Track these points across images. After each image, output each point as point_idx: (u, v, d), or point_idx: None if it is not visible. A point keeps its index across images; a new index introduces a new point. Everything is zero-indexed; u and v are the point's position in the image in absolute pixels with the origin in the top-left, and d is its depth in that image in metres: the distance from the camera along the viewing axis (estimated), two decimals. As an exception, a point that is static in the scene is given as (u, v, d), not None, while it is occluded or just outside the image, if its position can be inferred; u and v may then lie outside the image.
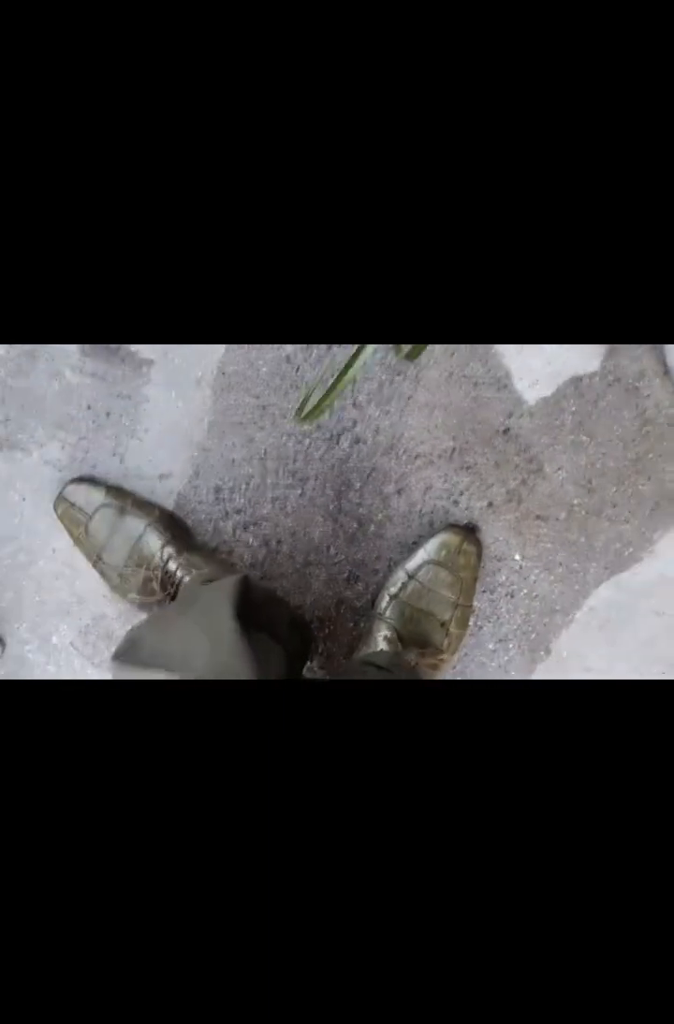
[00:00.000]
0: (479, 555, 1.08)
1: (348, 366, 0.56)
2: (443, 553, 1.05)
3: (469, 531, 1.07)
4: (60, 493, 1.06)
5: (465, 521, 1.10)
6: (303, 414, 0.75)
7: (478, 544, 1.07)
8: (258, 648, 0.78)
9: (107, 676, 1.16)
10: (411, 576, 1.05)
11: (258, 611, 0.85)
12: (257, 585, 0.93)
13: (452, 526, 1.07)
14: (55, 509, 1.06)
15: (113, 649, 1.11)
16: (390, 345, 0.89)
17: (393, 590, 1.06)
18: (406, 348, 0.95)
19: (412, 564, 1.06)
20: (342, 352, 1.02)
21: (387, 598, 1.06)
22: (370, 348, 0.56)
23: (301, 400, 1.02)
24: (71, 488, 1.06)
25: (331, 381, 0.67)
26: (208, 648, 0.77)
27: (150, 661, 0.75)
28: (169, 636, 0.81)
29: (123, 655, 0.79)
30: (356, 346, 0.61)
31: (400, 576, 1.06)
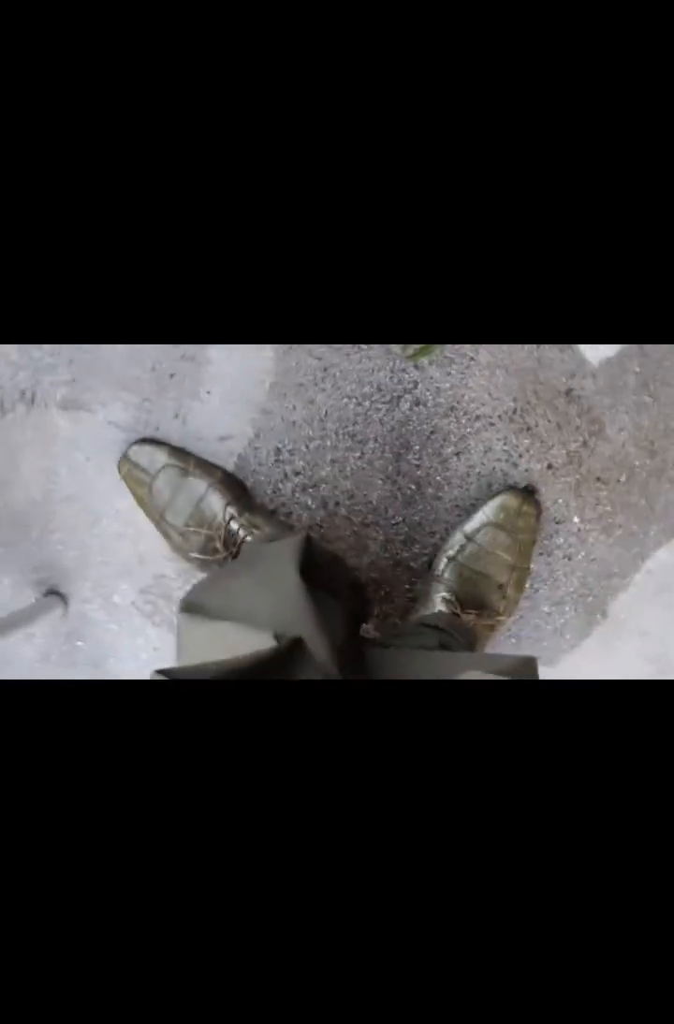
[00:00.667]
0: (538, 517, 1.07)
1: None
2: (502, 515, 1.05)
3: (528, 493, 1.07)
4: (124, 454, 1.07)
5: (524, 483, 1.09)
6: (410, 352, 0.74)
7: (537, 506, 1.07)
8: (320, 606, 0.79)
9: (172, 632, 1.18)
10: (469, 538, 1.06)
11: (320, 571, 0.86)
12: (319, 545, 0.94)
13: (512, 488, 1.07)
14: (119, 469, 1.08)
15: (175, 607, 1.14)
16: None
17: (451, 552, 1.06)
18: (412, 349, 0.95)
19: (470, 526, 1.06)
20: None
21: (445, 560, 1.06)
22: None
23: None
24: (135, 449, 1.07)
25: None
26: (273, 603, 0.78)
27: (217, 614, 0.76)
28: (234, 592, 0.82)
29: (190, 608, 0.80)
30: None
31: (458, 538, 1.06)
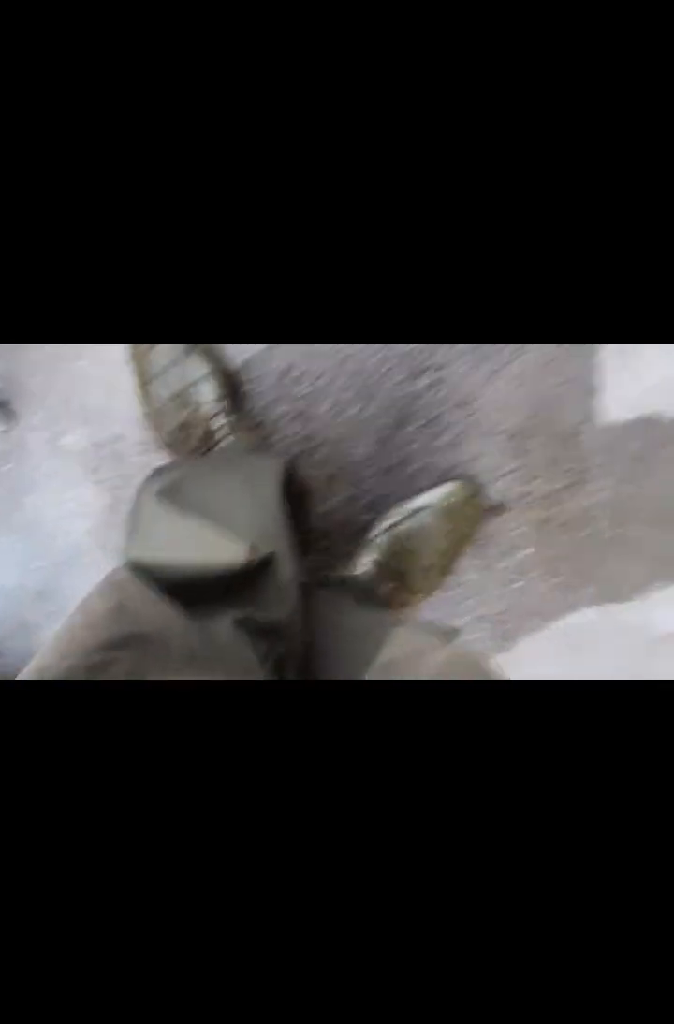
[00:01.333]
0: (481, 514, 1.10)
1: None
2: (448, 502, 1.07)
3: (477, 490, 1.09)
4: None
5: (497, 500, 1.12)
6: None
7: (484, 503, 1.10)
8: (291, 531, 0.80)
9: (109, 494, 1.12)
10: (410, 514, 1.07)
11: (294, 500, 0.86)
12: (298, 475, 0.93)
13: (464, 478, 1.09)
14: None
15: (122, 472, 1.08)
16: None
17: (389, 522, 1.08)
18: None
19: (415, 504, 1.07)
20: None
21: (382, 528, 1.08)
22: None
23: None
24: None
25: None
26: (251, 513, 0.78)
27: (192, 509, 0.75)
28: (215, 489, 0.81)
29: (167, 493, 0.78)
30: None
31: (400, 511, 1.08)
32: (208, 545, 0.72)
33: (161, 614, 0.64)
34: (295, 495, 0.88)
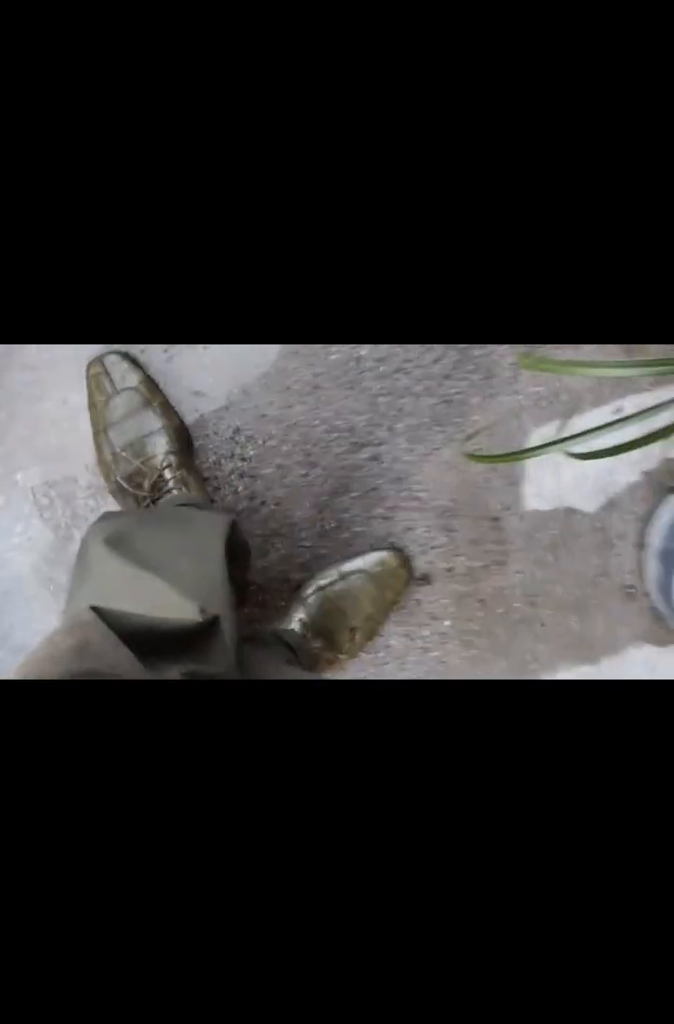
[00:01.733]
0: (407, 583, 1.18)
1: (540, 447, 0.65)
2: (378, 569, 1.15)
3: (406, 559, 1.17)
4: (100, 357, 1.07)
5: (423, 572, 1.20)
6: (471, 452, 0.80)
7: (409, 573, 1.17)
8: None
9: (55, 533, 1.17)
10: (342, 576, 1.15)
11: (234, 557, 0.90)
12: (240, 533, 0.98)
13: (395, 548, 1.17)
14: (88, 367, 1.07)
15: (71, 514, 1.13)
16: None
17: (322, 582, 1.14)
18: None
19: (347, 567, 1.15)
20: (493, 399, 1.11)
21: (315, 587, 1.14)
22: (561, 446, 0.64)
23: (468, 434, 1.09)
24: (113, 358, 1.07)
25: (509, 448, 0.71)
26: (198, 574, 0.81)
27: (142, 562, 0.77)
28: (161, 546, 0.83)
29: (114, 544, 0.80)
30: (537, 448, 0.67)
31: (333, 573, 1.15)
32: (160, 601, 0.74)
33: (123, 658, 0.67)
34: (236, 551, 0.93)
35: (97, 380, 1.07)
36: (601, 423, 0.67)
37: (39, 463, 1.14)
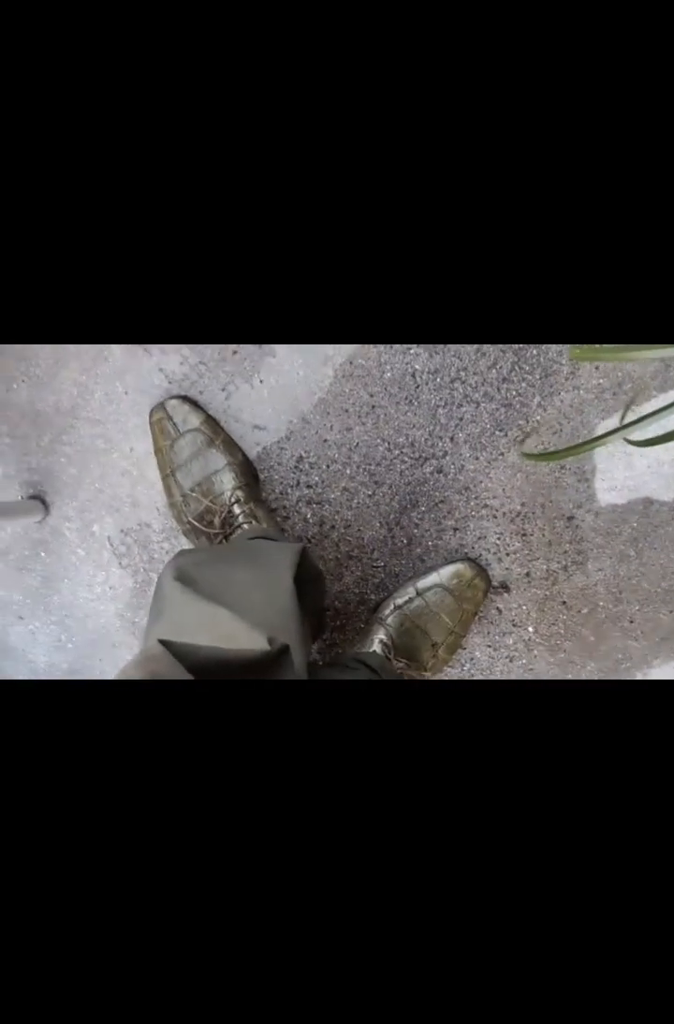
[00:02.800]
0: (485, 593, 1.16)
1: (599, 439, 0.63)
2: (455, 581, 1.13)
3: (481, 569, 1.15)
4: (162, 402, 1.10)
5: (500, 579, 1.18)
6: (529, 452, 0.79)
7: (488, 583, 1.16)
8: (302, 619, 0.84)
9: (133, 578, 1.20)
10: (419, 593, 1.13)
11: (305, 584, 0.90)
12: (312, 559, 0.99)
13: (468, 559, 1.15)
14: (151, 415, 1.10)
15: (148, 558, 1.16)
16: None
17: (399, 601, 1.14)
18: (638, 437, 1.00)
19: (423, 583, 1.14)
20: (554, 398, 1.09)
21: (392, 606, 1.14)
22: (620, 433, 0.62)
23: (523, 436, 1.08)
24: (174, 402, 1.10)
25: (573, 444, 0.70)
26: (266, 604, 0.82)
27: (211, 596, 0.79)
28: (230, 580, 0.85)
29: (185, 581, 0.82)
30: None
31: (409, 590, 1.14)
32: (228, 633, 0.76)
33: None
34: (308, 579, 0.94)
35: (160, 425, 1.10)
36: (660, 407, 0.64)
37: (113, 513, 1.18)
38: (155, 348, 1.10)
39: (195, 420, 1.10)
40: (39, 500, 1.17)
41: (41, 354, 1.12)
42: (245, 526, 1.09)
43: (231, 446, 1.12)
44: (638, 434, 0.66)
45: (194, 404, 1.11)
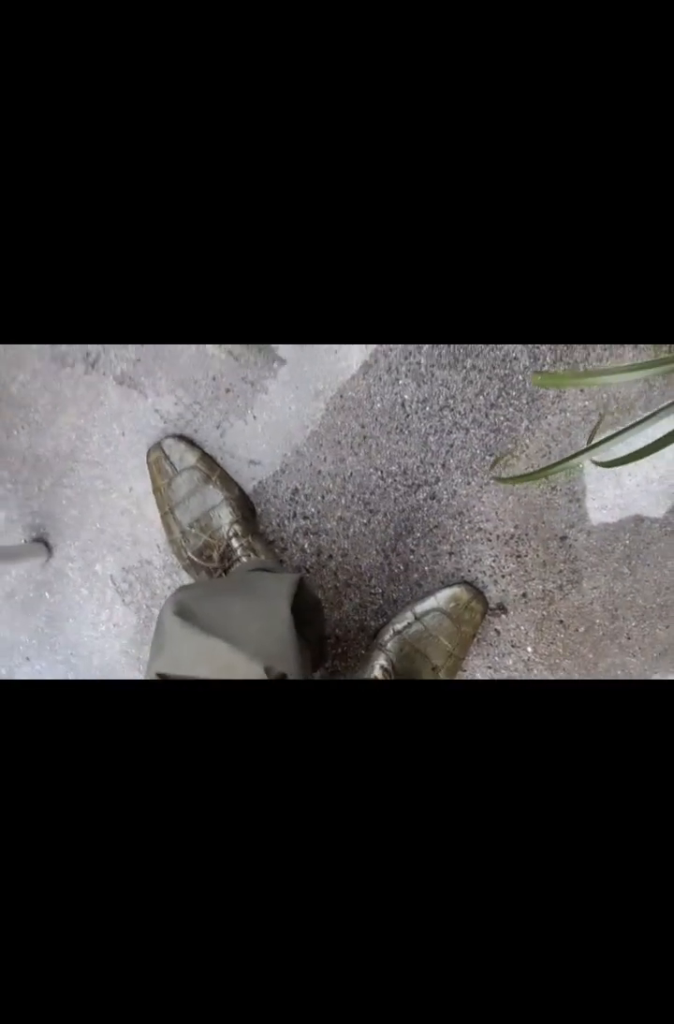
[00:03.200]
0: (483, 615, 1.17)
1: (569, 458, 0.65)
2: (452, 605, 1.15)
3: (478, 592, 1.17)
4: (159, 442, 1.12)
5: (497, 601, 1.20)
6: (500, 474, 0.80)
7: (485, 605, 1.17)
8: (301, 648, 0.85)
9: (137, 615, 1.22)
10: (418, 618, 1.15)
11: (303, 614, 0.92)
12: (309, 589, 1.01)
13: (465, 583, 1.17)
14: (148, 454, 1.13)
15: (150, 594, 1.18)
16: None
17: (398, 626, 1.15)
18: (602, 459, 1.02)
19: (421, 608, 1.15)
20: (541, 421, 1.12)
21: (391, 631, 1.15)
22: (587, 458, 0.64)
23: (495, 459, 1.11)
24: (169, 442, 1.12)
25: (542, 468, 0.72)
26: (264, 634, 0.83)
27: (209, 629, 0.81)
28: (228, 612, 0.86)
29: (182, 613, 0.83)
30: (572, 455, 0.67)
31: (408, 615, 1.15)
32: (226, 664, 0.77)
33: None
34: (306, 608, 0.96)
35: (158, 464, 1.12)
36: (622, 429, 0.66)
37: (115, 552, 1.20)
38: (149, 389, 1.13)
39: (191, 458, 1.12)
40: (42, 542, 1.19)
41: (40, 400, 1.15)
42: (244, 559, 1.11)
43: (227, 481, 1.14)
44: (603, 455, 0.68)
45: (190, 442, 1.13)
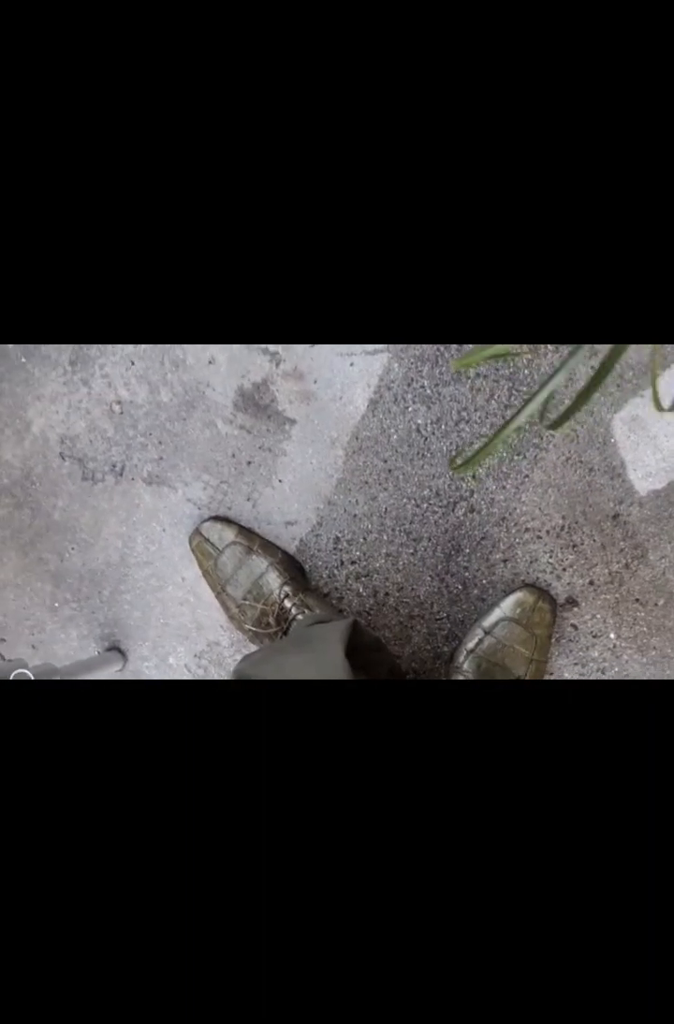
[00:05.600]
0: (553, 613, 1.13)
1: (502, 428, 0.64)
2: (518, 611, 1.12)
3: (543, 591, 1.13)
4: (197, 528, 1.16)
5: (566, 596, 1.16)
6: (457, 465, 0.80)
7: (553, 603, 1.13)
8: None
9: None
10: (487, 632, 1.12)
11: (363, 654, 0.92)
12: (365, 630, 1.00)
13: (527, 585, 1.13)
14: (190, 541, 1.17)
15: (225, 675, 1.21)
16: (536, 418, 0.91)
17: (470, 645, 1.13)
18: (551, 418, 1.02)
19: (488, 621, 1.13)
20: (490, 426, 1.10)
21: (465, 652, 1.13)
22: (524, 415, 0.62)
23: (454, 454, 1.10)
24: (207, 525, 1.16)
25: (484, 441, 0.72)
26: (318, 676, 0.83)
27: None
28: (283, 667, 0.88)
29: (244, 673, 0.86)
30: (506, 419, 0.66)
31: (477, 632, 1.13)
32: None
33: None
34: (363, 649, 0.96)
35: (200, 548, 1.16)
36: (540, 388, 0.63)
37: (183, 641, 1.24)
38: (177, 481, 1.17)
39: (230, 534, 1.15)
40: (116, 649, 1.25)
41: (81, 520, 1.21)
42: (299, 617, 1.12)
43: (269, 547, 1.16)
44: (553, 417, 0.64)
45: (226, 520, 1.16)
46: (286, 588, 1.13)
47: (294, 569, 1.17)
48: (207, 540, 1.16)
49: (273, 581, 1.14)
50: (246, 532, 1.17)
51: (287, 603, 1.12)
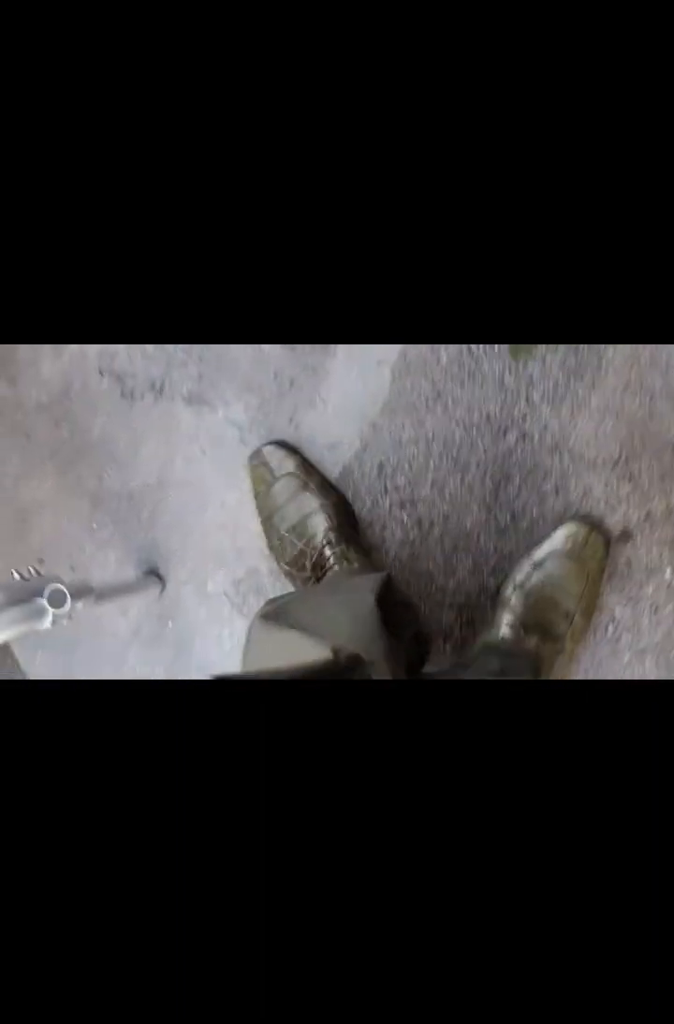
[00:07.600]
0: (607, 547, 1.08)
1: None
2: (570, 544, 1.07)
3: (596, 524, 1.08)
4: (259, 448, 1.13)
5: (620, 529, 1.11)
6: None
7: (606, 536, 1.08)
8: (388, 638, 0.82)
9: (248, 632, 1.23)
10: (537, 566, 1.07)
11: (392, 609, 0.88)
12: (398, 588, 0.97)
13: (579, 517, 1.08)
14: (249, 460, 1.13)
15: (259, 605, 1.18)
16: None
17: (519, 579, 1.08)
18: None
19: (538, 554, 1.08)
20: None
21: (512, 586, 1.08)
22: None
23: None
24: (269, 448, 1.12)
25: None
26: (349, 623, 0.81)
27: (296, 626, 0.79)
28: (313, 608, 0.85)
29: (270, 617, 0.83)
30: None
31: (526, 566, 1.08)
32: (294, 652, 0.75)
33: None
34: (394, 604, 0.91)
35: (257, 471, 1.13)
36: None
37: (222, 567, 1.22)
38: (218, 402, 1.14)
39: (290, 464, 1.12)
40: (154, 574, 1.23)
41: (120, 439, 1.18)
42: (336, 568, 1.08)
43: (325, 488, 1.12)
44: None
45: (290, 448, 1.13)
46: (331, 534, 1.09)
47: (344, 516, 1.13)
48: (265, 464, 1.13)
49: (319, 524, 1.10)
50: (306, 466, 1.13)
51: (327, 551, 1.08)
